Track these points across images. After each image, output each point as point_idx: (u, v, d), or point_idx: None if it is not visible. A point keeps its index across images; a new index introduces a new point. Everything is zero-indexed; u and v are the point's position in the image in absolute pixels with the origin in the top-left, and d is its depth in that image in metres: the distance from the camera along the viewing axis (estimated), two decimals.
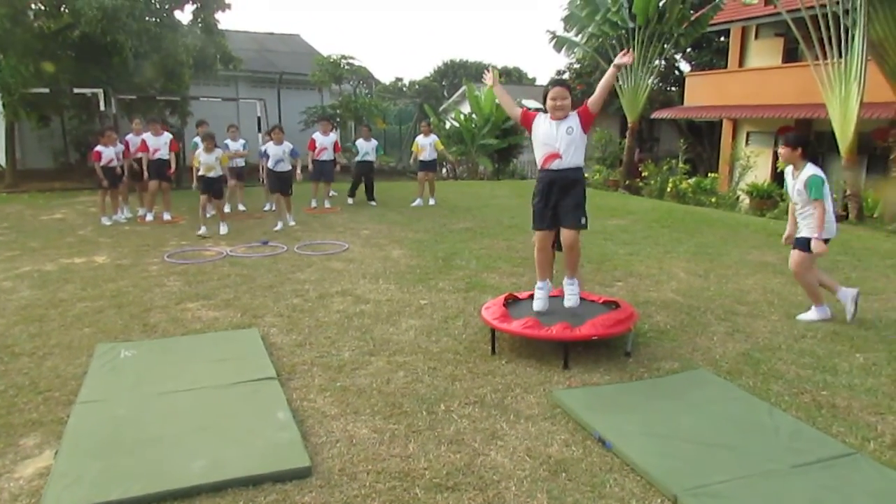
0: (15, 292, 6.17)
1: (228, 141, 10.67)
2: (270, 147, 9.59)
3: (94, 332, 5.07)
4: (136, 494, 2.85)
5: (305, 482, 3.01)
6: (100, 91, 13.58)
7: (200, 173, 9.03)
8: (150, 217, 10.27)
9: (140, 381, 4.05)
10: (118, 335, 5.02)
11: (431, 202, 12.09)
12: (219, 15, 16.21)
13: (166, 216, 10.19)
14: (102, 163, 9.67)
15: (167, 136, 10.16)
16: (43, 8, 13.97)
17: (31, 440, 3.41)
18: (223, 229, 9.11)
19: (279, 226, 9.43)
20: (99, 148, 9.71)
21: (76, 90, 13.74)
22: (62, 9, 13.67)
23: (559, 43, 18.43)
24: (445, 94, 36.79)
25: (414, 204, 11.97)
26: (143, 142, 9.91)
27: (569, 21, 17.82)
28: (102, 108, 13.75)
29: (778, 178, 15.40)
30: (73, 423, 3.49)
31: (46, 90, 13.51)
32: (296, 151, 9.79)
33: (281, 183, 9.58)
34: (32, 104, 13.85)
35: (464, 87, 22.97)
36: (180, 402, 3.79)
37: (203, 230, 8.95)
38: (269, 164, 9.59)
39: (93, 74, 13.67)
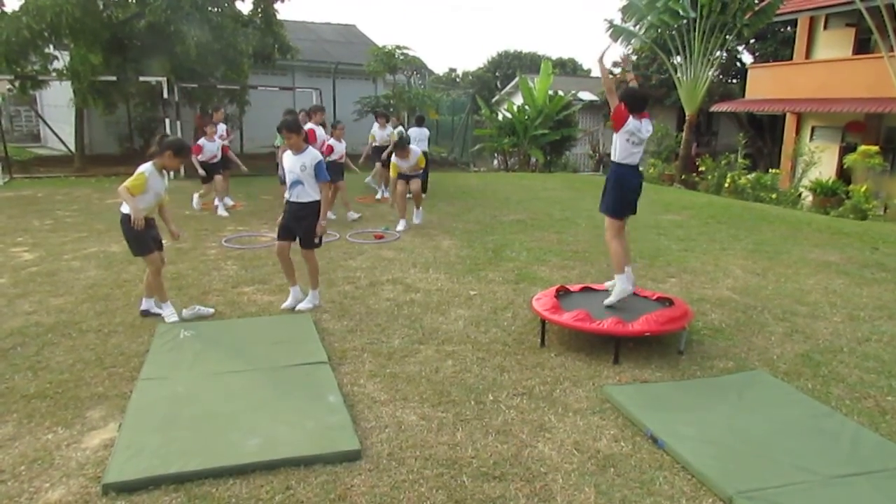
0: (83, 272, 6.46)
1: None
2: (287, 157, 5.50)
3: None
4: (194, 468, 2.96)
5: (355, 465, 3.07)
6: (164, 79, 14.04)
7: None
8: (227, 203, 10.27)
9: (198, 361, 4.20)
10: None
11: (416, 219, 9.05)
12: (278, 5, 16.53)
13: (228, 202, 10.40)
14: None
15: (222, 127, 10.36)
16: None
17: (97, 413, 3.58)
18: None
19: None
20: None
21: (141, 78, 14.25)
22: None
23: (616, 32, 18.02)
24: (499, 85, 36.49)
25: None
26: (198, 146, 9.73)
27: (627, 11, 17.41)
28: (166, 95, 14.21)
29: (843, 175, 14.78)
30: (135, 399, 3.65)
31: (114, 78, 14.03)
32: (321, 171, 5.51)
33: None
34: (100, 91, 14.39)
35: (517, 79, 22.78)
36: (236, 382, 3.91)
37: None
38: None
39: (157, 63, 14.12)
